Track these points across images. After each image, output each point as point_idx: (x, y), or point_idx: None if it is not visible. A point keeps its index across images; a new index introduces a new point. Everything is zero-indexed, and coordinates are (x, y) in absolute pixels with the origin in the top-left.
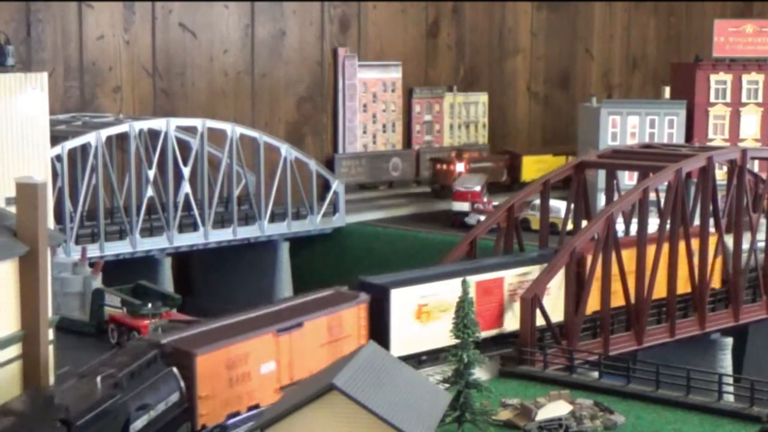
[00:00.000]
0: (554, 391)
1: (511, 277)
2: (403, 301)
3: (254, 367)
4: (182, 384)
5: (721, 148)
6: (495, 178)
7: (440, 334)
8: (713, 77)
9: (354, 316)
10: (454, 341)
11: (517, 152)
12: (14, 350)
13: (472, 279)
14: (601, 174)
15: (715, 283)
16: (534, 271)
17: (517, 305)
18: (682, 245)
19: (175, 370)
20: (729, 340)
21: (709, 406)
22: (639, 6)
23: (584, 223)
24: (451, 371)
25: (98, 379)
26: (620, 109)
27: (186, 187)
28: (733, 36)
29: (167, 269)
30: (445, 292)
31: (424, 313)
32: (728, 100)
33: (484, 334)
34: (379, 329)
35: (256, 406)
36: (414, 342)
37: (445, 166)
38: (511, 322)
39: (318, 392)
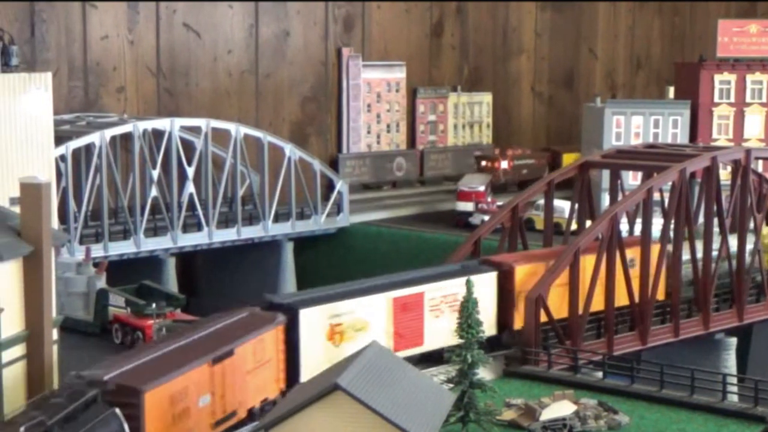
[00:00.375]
0: (558, 391)
1: (432, 292)
2: (313, 321)
3: (193, 401)
4: (126, 427)
5: (725, 148)
6: (537, 174)
7: None
8: (717, 77)
9: (274, 339)
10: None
11: (558, 149)
12: (18, 350)
13: (389, 295)
14: (605, 174)
15: (659, 294)
16: (456, 285)
17: (438, 322)
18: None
19: (117, 411)
20: (733, 340)
21: (713, 406)
22: (643, 6)
23: (588, 223)
24: (455, 371)
25: (22, 429)
26: (624, 109)
27: (190, 187)
28: (737, 36)
29: (171, 269)
30: (360, 309)
31: (336, 333)
32: (732, 100)
33: (403, 353)
34: (289, 352)
35: None
36: (327, 365)
37: (489, 163)
38: (433, 340)
39: (322, 392)
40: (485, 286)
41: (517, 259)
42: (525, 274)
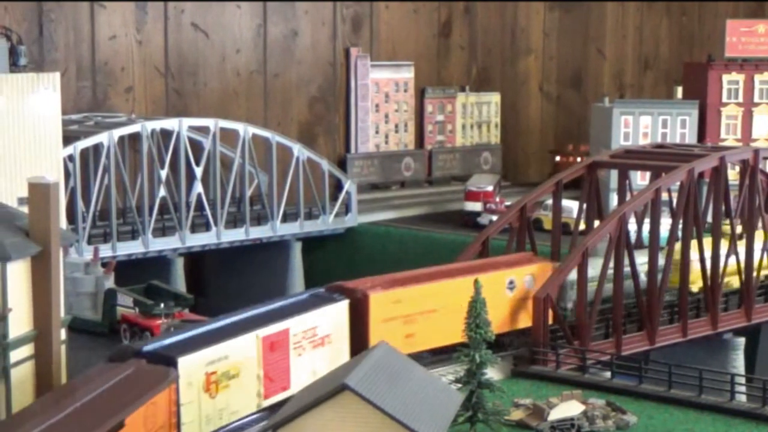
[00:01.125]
0: (566, 391)
1: (295, 327)
2: (192, 371)
3: None
4: None
5: (734, 148)
6: None
7: (231, 409)
8: (725, 77)
9: (166, 401)
10: (250, 412)
11: None
12: (27, 350)
13: (259, 333)
14: (614, 174)
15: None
16: (314, 317)
17: (301, 361)
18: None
19: None
20: (741, 340)
21: (721, 406)
22: (651, 6)
23: (596, 223)
24: (464, 371)
25: None
26: (632, 109)
27: (198, 187)
28: (745, 36)
29: (179, 269)
30: (233, 353)
31: (212, 383)
32: (740, 100)
33: (268, 401)
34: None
35: None
36: (205, 424)
37: (565, 158)
38: (299, 382)
39: (330, 392)
40: (337, 316)
41: (373, 284)
42: (381, 302)
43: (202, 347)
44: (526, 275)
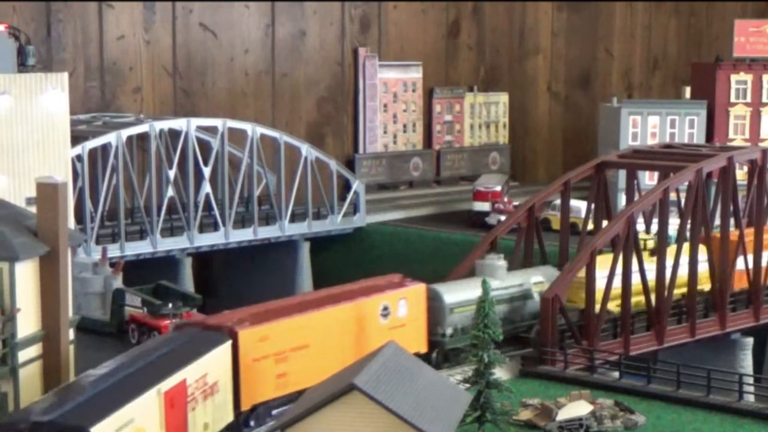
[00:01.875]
0: (575, 391)
1: (190, 378)
2: None
3: None
4: None
5: (742, 148)
6: None
7: None
8: (734, 77)
9: None
10: None
11: None
12: (35, 350)
13: (161, 388)
14: (622, 174)
15: (420, 347)
16: (203, 365)
17: (194, 416)
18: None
19: None
20: (749, 340)
21: (729, 406)
22: (659, 6)
23: (605, 223)
24: (472, 371)
25: None
26: (641, 109)
27: (206, 187)
28: (753, 36)
29: (188, 269)
30: (137, 414)
31: None
32: (749, 100)
33: None
34: None
35: None
36: None
37: None
38: None
39: (339, 392)
40: (222, 359)
41: (242, 318)
42: (251, 339)
43: (109, 411)
44: (400, 299)
